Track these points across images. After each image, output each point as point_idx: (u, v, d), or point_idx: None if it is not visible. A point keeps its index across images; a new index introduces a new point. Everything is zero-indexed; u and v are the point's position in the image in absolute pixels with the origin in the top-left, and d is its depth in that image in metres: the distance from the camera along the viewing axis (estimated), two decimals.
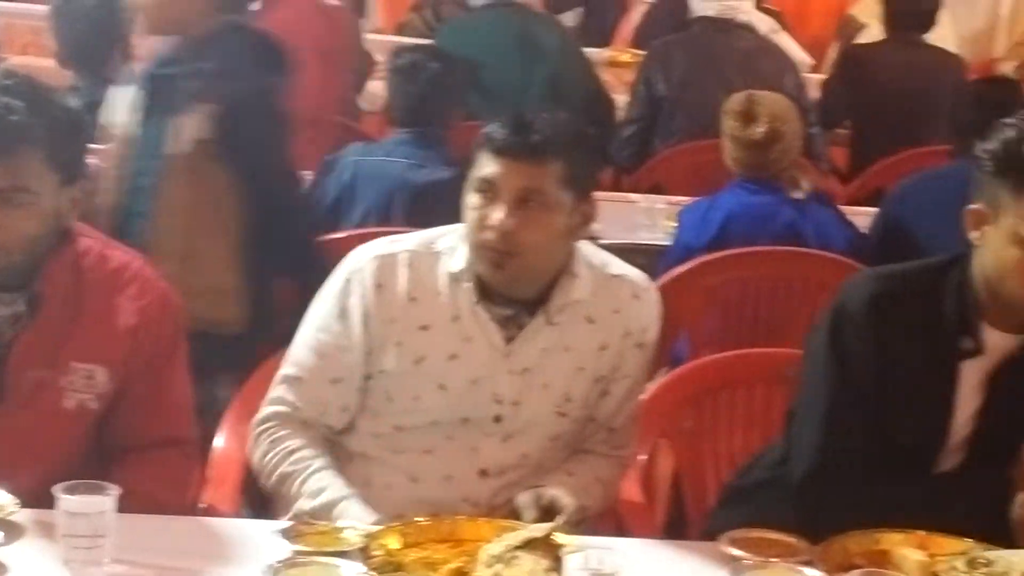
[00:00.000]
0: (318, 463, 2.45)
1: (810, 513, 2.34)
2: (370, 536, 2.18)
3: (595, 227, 4.08)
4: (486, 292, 2.45)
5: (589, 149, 2.48)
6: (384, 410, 2.50)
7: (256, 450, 2.52)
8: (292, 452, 2.46)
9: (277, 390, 2.52)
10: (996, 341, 2.35)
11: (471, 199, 2.42)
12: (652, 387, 2.93)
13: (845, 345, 2.37)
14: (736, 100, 3.87)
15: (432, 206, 3.82)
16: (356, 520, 2.31)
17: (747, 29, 5.47)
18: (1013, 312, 2.31)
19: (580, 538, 2.18)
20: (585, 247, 2.53)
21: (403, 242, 2.51)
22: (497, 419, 2.48)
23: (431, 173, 3.89)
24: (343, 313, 2.47)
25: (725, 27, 5.37)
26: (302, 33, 4.57)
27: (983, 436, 2.38)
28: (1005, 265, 2.27)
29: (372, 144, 4.20)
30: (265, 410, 2.53)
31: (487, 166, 2.40)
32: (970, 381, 2.37)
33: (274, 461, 2.47)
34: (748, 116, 3.80)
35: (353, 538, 2.18)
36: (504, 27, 5.30)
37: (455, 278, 2.46)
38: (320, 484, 2.42)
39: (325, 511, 2.37)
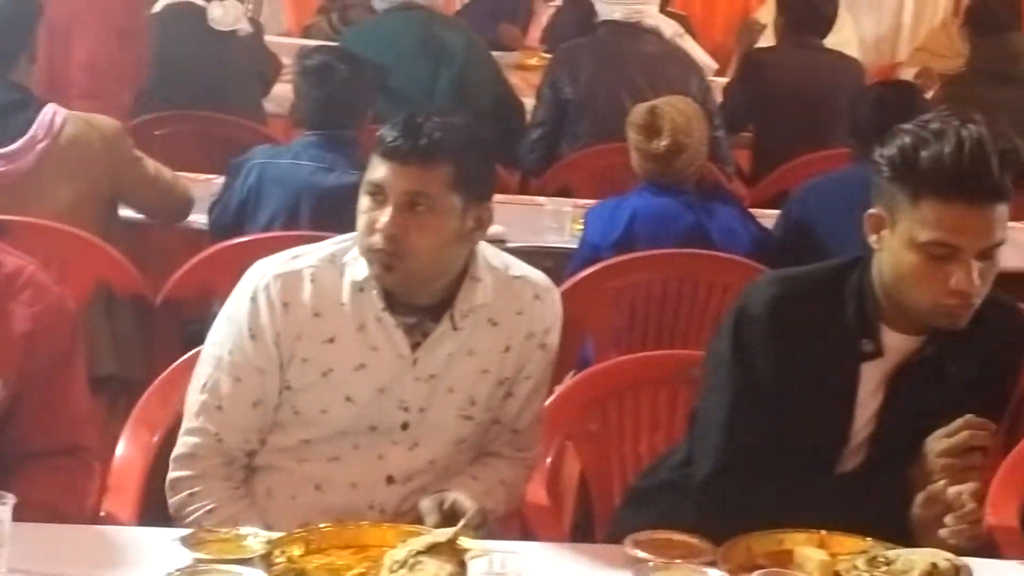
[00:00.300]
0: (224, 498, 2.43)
1: (712, 514, 2.36)
2: (272, 543, 2.16)
3: (501, 230, 4.15)
4: (390, 300, 2.44)
5: (483, 152, 2.46)
6: (290, 424, 2.48)
7: (172, 494, 2.46)
8: (211, 512, 2.42)
9: (196, 420, 2.47)
10: (895, 343, 2.38)
11: (362, 202, 2.40)
12: (558, 390, 2.93)
13: (747, 347, 2.39)
14: (639, 113, 3.87)
15: (340, 210, 3.77)
16: None
17: (653, 33, 5.49)
18: (911, 315, 2.34)
19: (484, 542, 2.18)
20: (486, 250, 2.53)
21: (305, 257, 2.48)
22: (404, 426, 2.47)
23: (339, 177, 3.85)
24: (254, 335, 2.43)
25: (631, 31, 5.40)
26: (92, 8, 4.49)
27: (883, 436, 2.41)
28: (902, 270, 2.30)
29: (279, 147, 4.15)
30: (187, 443, 2.47)
31: (377, 169, 2.38)
32: (870, 382, 2.40)
33: (190, 513, 2.43)
34: (651, 129, 3.81)
35: (255, 545, 2.15)
36: (409, 29, 5.29)
37: (359, 287, 2.44)
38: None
39: None
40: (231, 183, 3.99)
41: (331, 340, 2.44)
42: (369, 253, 2.39)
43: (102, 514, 2.49)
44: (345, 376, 2.44)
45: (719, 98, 5.74)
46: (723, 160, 5.33)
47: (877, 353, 2.38)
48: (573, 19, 6.85)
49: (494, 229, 4.14)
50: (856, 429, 2.41)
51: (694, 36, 6.88)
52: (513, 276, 2.54)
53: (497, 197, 4.92)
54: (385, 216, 2.35)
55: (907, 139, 2.27)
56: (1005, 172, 2.24)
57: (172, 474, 2.47)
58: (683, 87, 5.09)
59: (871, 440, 2.42)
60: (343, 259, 2.46)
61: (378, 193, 2.37)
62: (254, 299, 2.44)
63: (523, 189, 5.32)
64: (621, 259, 3.71)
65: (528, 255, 4.14)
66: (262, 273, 2.46)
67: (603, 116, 5.09)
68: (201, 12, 5.32)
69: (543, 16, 7.40)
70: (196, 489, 2.44)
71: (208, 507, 2.43)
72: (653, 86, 5.00)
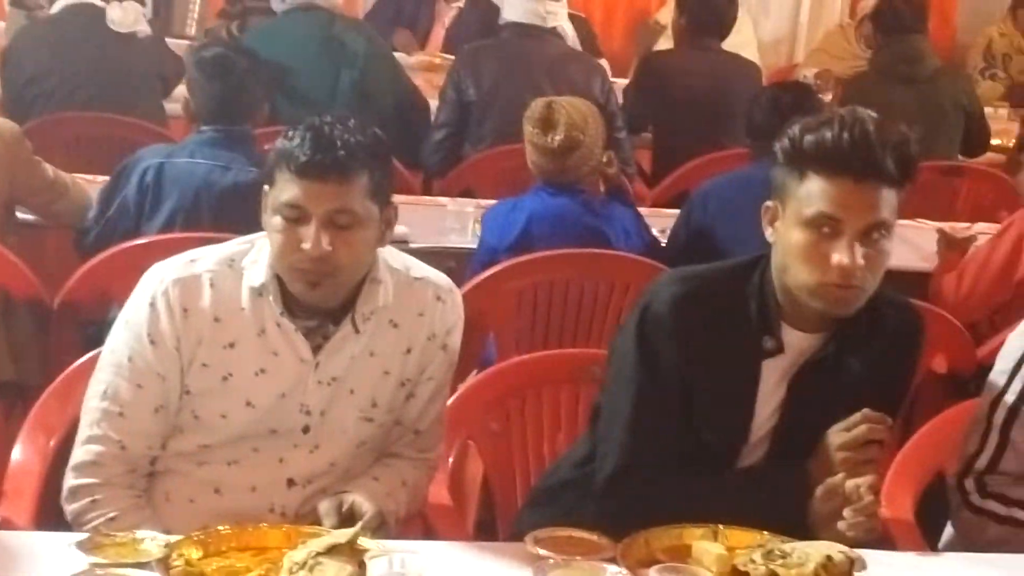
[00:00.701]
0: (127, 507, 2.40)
1: (615, 511, 2.38)
2: (170, 546, 2.14)
3: (404, 231, 4.14)
4: (289, 305, 2.42)
5: (388, 154, 2.45)
6: (190, 428, 2.46)
7: (72, 502, 2.42)
8: (112, 520, 2.38)
9: (96, 428, 2.43)
10: (795, 341, 2.42)
11: (275, 222, 2.36)
12: (460, 389, 2.94)
13: (650, 345, 2.41)
14: (535, 108, 3.89)
15: (239, 209, 3.75)
16: None
17: (556, 35, 5.53)
18: (809, 311, 2.37)
19: (385, 542, 2.18)
20: (386, 251, 2.52)
21: (203, 261, 2.45)
22: (305, 429, 2.46)
23: (237, 175, 3.82)
24: (154, 340, 2.41)
25: (535, 32, 5.42)
26: None
27: (783, 432, 2.45)
28: (789, 250, 2.34)
29: (174, 145, 4.07)
30: (89, 451, 2.43)
31: (290, 189, 2.33)
32: (771, 379, 2.43)
33: (91, 520, 2.39)
34: (547, 124, 3.82)
35: (152, 549, 2.13)
36: (310, 31, 5.27)
37: (258, 292, 2.42)
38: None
39: None
40: (122, 185, 3.90)
41: (231, 345, 2.42)
42: (294, 272, 2.36)
43: None
44: (245, 381, 2.43)
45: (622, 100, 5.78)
46: (624, 161, 5.36)
47: (778, 350, 2.41)
48: (476, 20, 6.87)
49: (398, 230, 4.16)
50: (757, 425, 2.44)
51: (595, 38, 6.92)
52: (414, 277, 2.53)
53: (400, 198, 4.93)
54: (309, 236, 2.31)
55: (796, 128, 2.34)
56: (891, 156, 2.29)
57: (72, 482, 2.44)
58: (586, 88, 5.13)
59: (772, 435, 2.45)
60: (241, 263, 2.44)
61: (296, 213, 2.33)
62: (153, 305, 2.41)
63: (426, 190, 5.32)
64: (523, 259, 3.72)
65: (431, 256, 4.15)
66: (160, 278, 2.43)
67: (506, 117, 5.08)
68: (100, 13, 5.25)
69: (446, 17, 7.39)
70: (98, 497, 2.41)
71: (111, 515, 2.40)
72: (556, 87, 5.03)
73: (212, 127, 3.90)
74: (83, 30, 5.26)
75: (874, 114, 2.33)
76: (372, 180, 2.35)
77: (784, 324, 2.41)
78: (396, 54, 5.94)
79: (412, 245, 4.16)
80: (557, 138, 3.80)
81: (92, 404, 2.45)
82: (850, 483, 2.30)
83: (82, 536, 2.18)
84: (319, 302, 2.41)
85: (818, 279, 2.32)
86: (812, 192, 2.30)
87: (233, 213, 3.71)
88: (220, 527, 2.21)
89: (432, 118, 5.53)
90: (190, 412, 2.44)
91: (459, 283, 3.74)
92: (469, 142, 5.34)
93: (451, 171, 5.26)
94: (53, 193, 3.95)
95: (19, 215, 4.06)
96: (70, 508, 2.43)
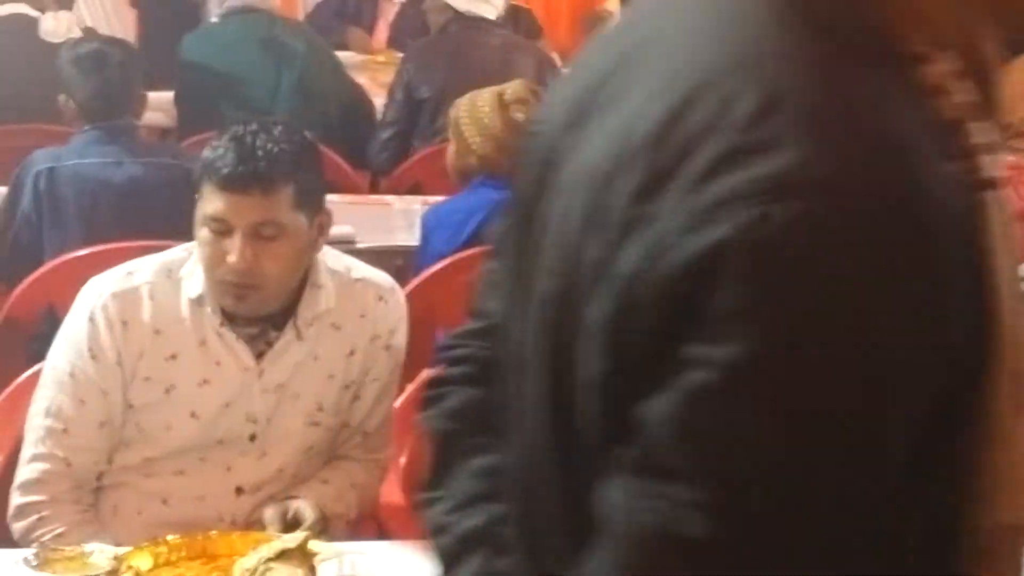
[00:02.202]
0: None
1: None
2: (119, 558, 2.12)
3: (350, 231, 4.12)
4: (229, 314, 2.40)
5: (316, 160, 2.42)
6: (135, 441, 2.44)
7: (19, 520, 2.41)
8: (62, 535, 2.36)
9: (41, 446, 2.41)
10: None
11: (202, 234, 2.34)
12: (410, 388, 2.92)
13: None
14: (491, 95, 3.83)
15: (138, 205, 3.74)
16: None
17: (499, 25, 5.51)
18: None
19: (336, 544, 2.17)
20: (326, 254, 2.50)
21: (141, 273, 2.43)
22: (252, 438, 2.45)
23: (128, 169, 3.79)
24: (95, 355, 2.39)
25: (479, 25, 5.40)
26: None
27: None
28: None
29: (59, 149, 3.96)
30: (34, 469, 2.40)
31: (214, 202, 2.31)
32: None
33: (38, 536, 2.37)
34: (506, 108, 3.77)
35: (101, 562, 2.12)
36: (249, 34, 5.24)
37: (197, 303, 2.40)
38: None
39: None
40: (19, 195, 3.84)
41: (173, 357, 2.40)
42: (220, 285, 2.34)
43: None
44: (189, 392, 2.41)
45: None
46: None
47: None
48: (418, 15, 6.84)
49: (343, 230, 4.16)
50: None
51: (539, 30, 6.90)
52: (355, 279, 2.52)
53: (346, 198, 4.95)
54: (233, 249, 2.29)
55: None
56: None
57: (19, 500, 2.41)
58: (536, 78, 5.11)
59: None
60: (179, 273, 2.42)
61: (220, 225, 2.31)
62: (92, 319, 2.39)
63: (373, 189, 5.29)
64: (469, 252, 3.68)
65: (378, 255, 4.15)
66: (98, 292, 2.41)
67: None
68: (33, 23, 5.19)
69: (389, 14, 7.37)
70: (45, 513, 2.39)
71: (58, 531, 2.38)
72: (507, 78, 5.00)
73: (96, 124, 3.84)
74: (14, 41, 5.20)
75: None
76: (298, 189, 2.32)
77: None
78: (340, 53, 5.90)
79: (359, 245, 4.14)
80: (520, 117, 3.75)
81: (36, 422, 2.42)
82: None
83: (30, 552, 2.16)
84: (248, 313, 2.39)
85: None
86: None
87: (135, 208, 3.70)
88: (169, 537, 2.20)
89: (378, 116, 5.51)
90: (134, 425, 2.42)
91: (406, 282, 3.74)
92: (419, 139, 5.32)
93: (397, 168, 5.23)
94: None
95: None
96: (17, 526, 2.41)
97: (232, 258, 2.29)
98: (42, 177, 3.79)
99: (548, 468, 1.17)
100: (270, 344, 2.43)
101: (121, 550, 2.16)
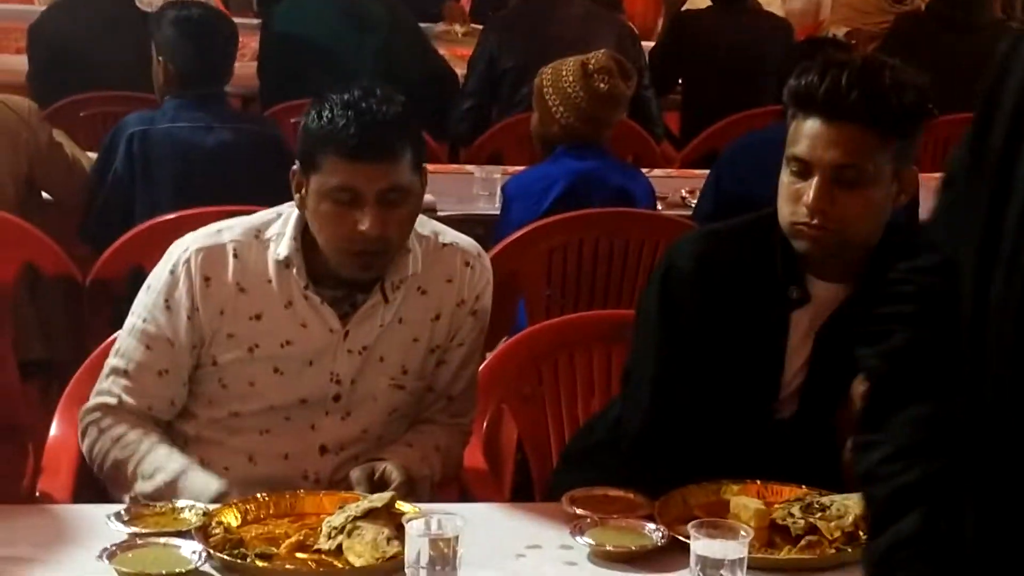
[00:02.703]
0: (147, 444, 2.41)
1: (644, 471, 2.37)
2: (209, 514, 2.15)
3: (432, 199, 4.13)
4: (315, 276, 2.42)
5: (420, 122, 2.44)
6: (219, 397, 2.46)
7: (84, 440, 2.47)
8: (120, 438, 2.42)
9: (105, 382, 2.47)
10: (821, 291, 2.40)
11: (323, 208, 2.33)
12: (492, 354, 2.94)
13: (673, 304, 2.40)
14: (575, 63, 3.82)
15: (228, 169, 3.78)
16: (200, 488, 2.29)
17: None
18: (833, 261, 2.36)
19: (422, 505, 2.19)
20: (419, 220, 2.51)
21: (229, 231, 2.45)
22: (336, 398, 2.46)
23: (220, 135, 3.83)
24: (169, 306, 2.42)
25: None
26: None
27: (814, 385, 2.43)
28: (778, 192, 2.34)
29: (152, 112, 4.01)
30: (92, 400, 2.48)
31: (340, 173, 2.30)
32: (799, 331, 2.41)
33: (104, 449, 2.43)
34: (590, 77, 3.77)
35: (191, 518, 2.15)
36: (331, 3, 5.26)
37: (283, 265, 2.42)
38: (155, 464, 2.39)
39: (168, 489, 2.33)
40: (111, 158, 3.89)
41: (257, 316, 2.42)
42: (346, 256, 2.36)
43: (37, 495, 2.47)
44: (272, 351, 2.43)
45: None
46: (652, 121, 5.35)
47: (804, 300, 2.40)
48: None
49: (426, 199, 4.17)
50: (787, 379, 2.43)
51: (619, 1, 6.87)
52: (442, 244, 2.53)
53: (427, 167, 4.95)
54: (364, 218, 2.30)
55: (807, 73, 2.33)
56: (867, 98, 2.26)
57: (82, 423, 2.47)
58: (616, 48, 5.09)
59: (801, 391, 2.44)
60: (266, 235, 2.44)
61: (348, 196, 2.31)
62: (173, 272, 2.42)
63: (452, 159, 5.31)
64: (552, 219, 3.69)
65: (459, 224, 4.13)
66: (185, 247, 2.45)
67: None
68: None
69: None
70: (104, 423, 2.44)
71: (117, 433, 2.42)
72: (587, 48, 4.98)
73: (189, 90, 3.88)
74: (110, 10, 5.26)
75: (887, 60, 2.31)
76: (414, 153, 2.35)
77: (809, 275, 2.39)
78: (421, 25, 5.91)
79: (440, 213, 4.15)
80: (602, 87, 3.76)
81: (109, 361, 2.49)
82: None
83: (121, 507, 2.19)
84: (364, 278, 2.41)
85: (789, 218, 2.33)
86: (792, 134, 2.33)
87: (224, 173, 3.74)
88: (258, 494, 2.23)
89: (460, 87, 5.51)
90: (217, 381, 2.45)
91: (485, 250, 3.74)
92: (500, 109, 5.32)
93: (477, 138, 5.24)
94: (73, 175, 3.94)
95: (46, 195, 4.07)
96: (85, 448, 2.47)
97: (364, 226, 2.30)
98: (135, 140, 3.85)
99: (1017, 423, 1.11)
100: (355, 307, 2.44)
101: (210, 506, 2.19)
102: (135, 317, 2.47)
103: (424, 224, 2.53)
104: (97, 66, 5.09)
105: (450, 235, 2.56)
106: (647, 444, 2.41)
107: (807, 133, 2.29)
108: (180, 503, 2.21)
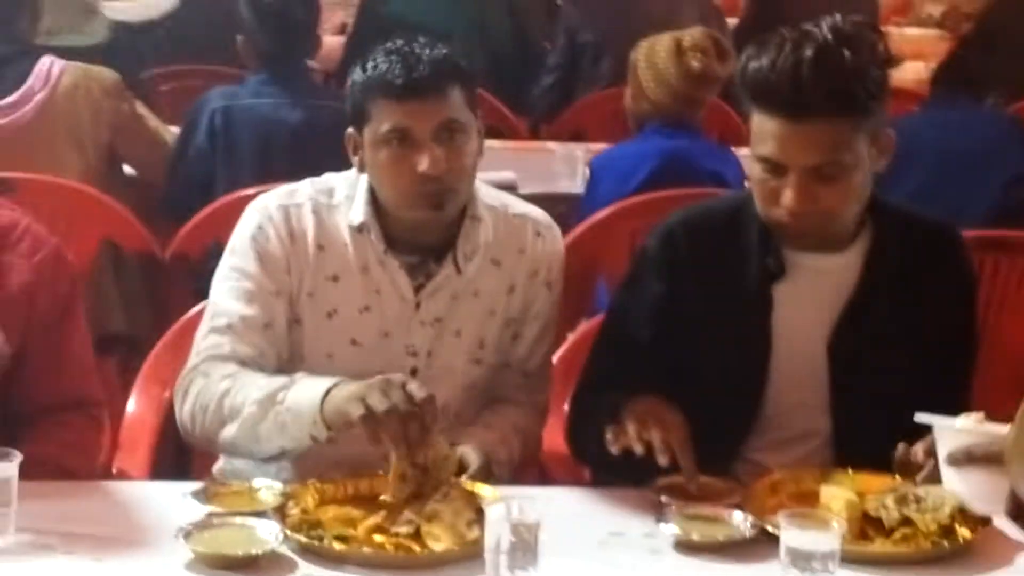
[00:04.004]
0: (253, 373, 2.34)
1: (570, 427, 2.45)
2: (286, 495, 2.12)
3: (512, 177, 4.08)
4: (391, 241, 2.40)
5: (469, 64, 2.43)
6: (297, 370, 2.42)
7: (186, 399, 2.35)
8: (227, 376, 2.33)
9: (206, 341, 2.39)
10: (805, 261, 2.33)
11: (381, 156, 2.33)
12: (572, 337, 2.88)
13: (636, 277, 2.42)
14: (667, 39, 3.75)
15: (310, 145, 3.76)
16: (315, 388, 2.22)
17: None
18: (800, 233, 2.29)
19: (502, 489, 2.14)
20: (482, 189, 2.48)
21: (302, 191, 2.44)
22: (413, 372, 2.42)
23: (302, 111, 3.83)
24: (263, 258, 2.39)
25: None
26: None
27: (842, 361, 2.34)
28: (752, 185, 2.28)
29: (235, 87, 4.04)
30: (194, 359, 2.39)
31: (391, 116, 2.31)
32: (785, 305, 2.34)
33: (209, 390, 2.32)
34: (695, 52, 3.69)
35: (268, 498, 2.12)
36: None
37: (358, 229, 2.40)
38: (259, 381, 2.30)
39: (275, 397, 2.26)
40: (193, 133, 3.90)
41: (335, 278, 2.40)
42: (413, 199, 2.34)
43: (114, 471, 2.46)
44: (350, 318, 2.40)
45: None
46: (738, 100, 5.25)
47: (780, 271, 2.32)
48: None
49: (505, 176, 4.14)
50: (785, 357, 2.35)
51: None
52: (513, 214, 2.50)
53: (508, 144, 4.92)
54: (423, 157, 2.29)
55: (744, 54, 2.26)
56: (828, 90, 2.15)
57: (184, 380, 2.38)
58: (701, 24, 5.00)
59: (829, 369, 2.35)
60: (335, 200, 2.43)
61: (403, 138, 2.31)
62: (261, 227, 2.40)
63: (533, 135, 5.26)
64: (636, 200, 3.63)
65: (540, 201, 4.07)
66: (264, 205, 2.44)
67: (625, 57, 5.00)
68: None
69: None
70: (209, 370, 2.35)
71: (225, 372, 2.32)
72: (673, 24, 4.90)
73: (272, 65, 3.88)
74: None
75: (841, 38, 2.19)
76: (464, 88, 2.35)
77: (785, 248, 2.32)
78: None
79: (522, 191, 4.10)
80: (696, 66, 3.69)
81: (205, 325, 2.41)
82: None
83: (198, 485, 2.17)
84: (438, 224, 2.38)
85: (768, 214, 2.26)
86: (757, 130, 2.22)
87: (306, 148, 3.73)
88: (335, 476, 2.19)
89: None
90: (297, 350, 2.41)
91: (567, 230, 3.69)
92: (582, 84, 5.27)
93: (559, 114, 5.19)
94: (155, 146, 3.94)
95: (127, 169, 4.07)
96: (184, 415, 2.36)
97: (424, 166, 2.29)
98: (218, 115, 3.85)
99: None
100: (429, 277, 2.41)
101: (288, 487, 2.16)
102: (227, 281, 2.41)
103: (493, 195, 2.51)
104: (179, 39, 5.10)
105: (520, 206, 2.54)
106: (575, 402, 2.44)
107: (774, 134, 2.18)
108: (257, 483, 2.18)
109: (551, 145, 4.65)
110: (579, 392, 2.46)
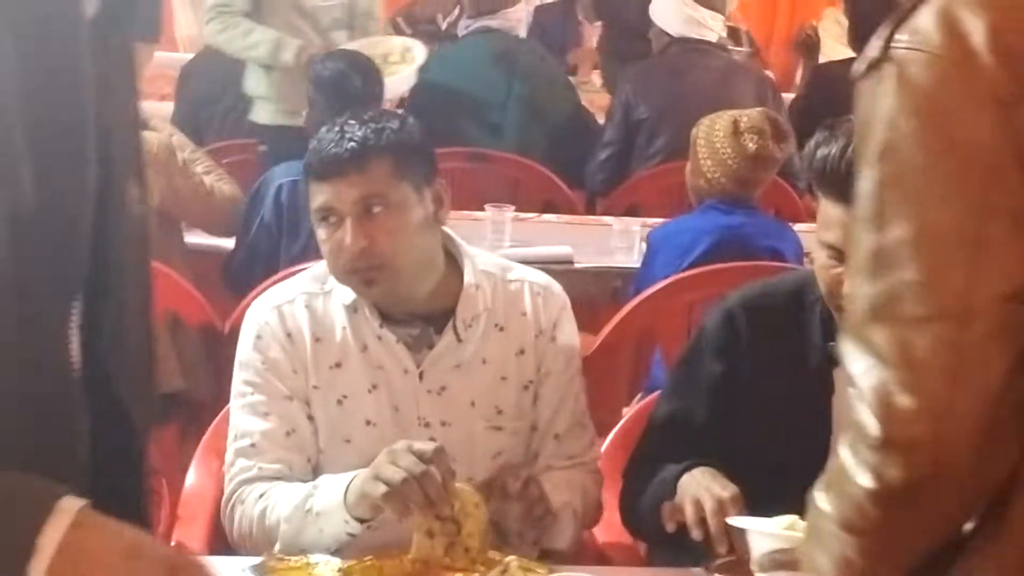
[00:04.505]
0: (284, 487, 2.37)
1: (623, 497, 2.44)
2: (344, 571, 2.12)
3: (569, 251, 4.10)
4: (386, 316, 2.41)
5: (416, 133, 2.43)
6: (322, 462, 2.44)
7: (232, 527, 2.41)
8: (259, 497, 2.37)
9: (235, 467, 2.41)
10: None
11: (319, 231, 2.38)
12: (628, 411, 2.88)
13: (694, 359, 2.41)
14: (726, 118, 3.77)
15: None
16: (337, 487, 2.24)
17: (721, 48, 5.45)
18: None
19: (560, 569, 2.13)
20: (480, 256, 2.51)
21: (295, 286, 2.48)
22: None
23: None
24: (268, 367, 2.41)
25: (699, 46, 5.34)
26: None
27: None
28: (817, 272, 2.29)
29: (297, 163, 4.03)
30: (227, 488, 2.42)
31: (317, 195, 2.37)
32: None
33: (248, 515, 2.37)
34: (752, 133, 3.70)
35: (327, 573, 2.12)
36: (485, 51, 5.32)
37: (352, 308, 2.42)
38: (287, 496, 2.33)
39: (304, 507, 2.29)
40: (258, 207, 3.95)
41: (337, 365, 2.42)
42: (346, 276, 2.37)
43: (172, 544, 2.46)
44: (360, 400, 2.41)
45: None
46: (795, 176, 5.25)
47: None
48: (623, 38, 6.83)
49: (561, 251, 4.16)
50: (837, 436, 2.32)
51: (756, 51, 6.80)
52: (510, 279, 2.51)
53: (564, 218, 4.94)
54: (346, 234, 2.32)
55: (811, 141, 2.28)
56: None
57: (225, 511, 2.43)
58: (756, 102, 5.03)
59: None
60: (327, 285, 2.45)
61: (330, 216, 2.35)
62: (260, 336, 2.43)
63: (589, 210, 5.28)
64: (692, 273, 3.62)
65: (596, 276, 4.13)
66: (259, 311, 2.46)
67: (678, 133, 5.02)
68: None
69: (593, 37, 7.37)
70: (248, 491, 2.38)
71: (260, 491, 2.36)
72: (730, 101, 4.92)
73: None
74: None
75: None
76: (398, 160, 2.35)
77: None
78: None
79: (577, 265, 4.13)
80: (752, 148, 3.69)
81: (228, 450, 2.45)
82: None
83: (257, 560, 2.17)
84: (391, 301, 2.39)
85: (833, 301, 2.24)
86: (823, 216, 2.23)
87: None
88: (392, 552, 2.19)
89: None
90: (316, 445, 2.43)
91: (623, 303, 3.69)
92: (637, 160, 5.29)
93: (615, 189, 5.21)
94: (209, 201, 3.98)
95: (188, 240, 4.12)
96: (235, 533, 2.41)
97: (347, 241, 2.31)
98: (284, 190, 3.89)
99: None
100: (432, 347, 2.43)
101: (346, 563, 2.16)
102: (241, 398, 2.44)
103: (490, 260, 2.53)
104: (243, 112, 5.16)
105: (518, 270, 2.55)
106: (626, 474, 2.42)
107: (840, 221, 2.16)
108: (315, 558, 2.18)
109: (608, 219, 4.66)
110: (632, 466, 2.46)
